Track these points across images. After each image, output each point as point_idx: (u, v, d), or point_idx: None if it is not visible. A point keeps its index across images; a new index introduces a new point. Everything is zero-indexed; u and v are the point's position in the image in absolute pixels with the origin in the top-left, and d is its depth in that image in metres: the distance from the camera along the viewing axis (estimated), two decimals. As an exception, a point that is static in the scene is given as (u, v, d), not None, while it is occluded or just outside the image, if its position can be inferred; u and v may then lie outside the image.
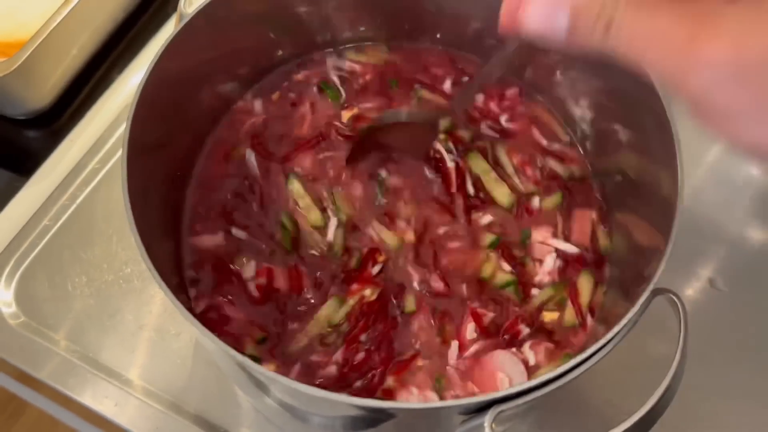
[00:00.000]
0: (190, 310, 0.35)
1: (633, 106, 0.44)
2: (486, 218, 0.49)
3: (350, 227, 0.50)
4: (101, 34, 0.67)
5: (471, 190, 0.50)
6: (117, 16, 0.69)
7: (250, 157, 0.51)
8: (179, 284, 0.46)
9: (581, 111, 0.50)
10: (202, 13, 0.44)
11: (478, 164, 0.50)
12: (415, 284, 0.47)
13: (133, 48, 0.69)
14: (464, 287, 0.47)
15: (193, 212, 0.49)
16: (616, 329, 0.34)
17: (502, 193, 0.50)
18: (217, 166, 0.51)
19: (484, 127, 0.53)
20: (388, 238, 0.49)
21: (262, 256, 0.48)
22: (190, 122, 0.50)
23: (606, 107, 0.48)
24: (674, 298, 0.36)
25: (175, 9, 0.71)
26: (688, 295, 0.57)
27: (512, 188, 0.50)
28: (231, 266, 0.47)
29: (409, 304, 0.46)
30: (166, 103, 0.45)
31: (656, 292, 0.36)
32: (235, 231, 0.49)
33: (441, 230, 0.49)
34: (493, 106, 0.54)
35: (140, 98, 0.41)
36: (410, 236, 0.49)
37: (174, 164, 0.48)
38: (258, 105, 0.54)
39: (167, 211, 0.47)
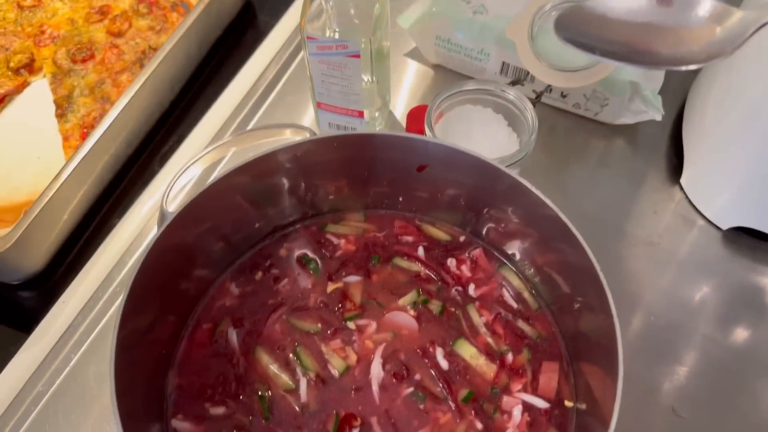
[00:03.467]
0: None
1: (576, 271, 0.49)
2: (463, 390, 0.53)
3: (320, 383, 0.53)
4: (90, 196, 0.72)
5: (444, 364, 0.53)
6: (104, 178, 0.74)
7: (232, 335, 0.55)
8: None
9: (539, 276, 0.55)
10: (183, 212, 0.49)
11: (467, 350, 0.54)
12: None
13: (120, 206, 0.73)
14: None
15: (175, 395, 0.52)
16: None
17: (487, 371, 0.53)
18: (198, 347, 0.55)
19: (454, 293, 0.57)
20: (336, 361, 0.53)
21: (242, 429, 0.51)
22: (173, 303, 0.54)
23: (557, 272, 0.53)
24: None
25: (157, 165, 0.76)
26: (653, 424, 0.60)
27: (486, 348, 0.54)
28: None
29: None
30: (151, 290, 0.49)
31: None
32: (213, 410, 0.52)
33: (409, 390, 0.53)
34: (464, 269, 0.58)
35: (128, 299, 0.45)
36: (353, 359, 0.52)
37: (158, 347, 0.52)
38: (238, 283, 0.58)
39: (154, 394, 0.50)
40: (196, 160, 0.53)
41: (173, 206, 0.50)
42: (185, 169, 0.53)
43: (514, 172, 0.51)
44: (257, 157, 0.50)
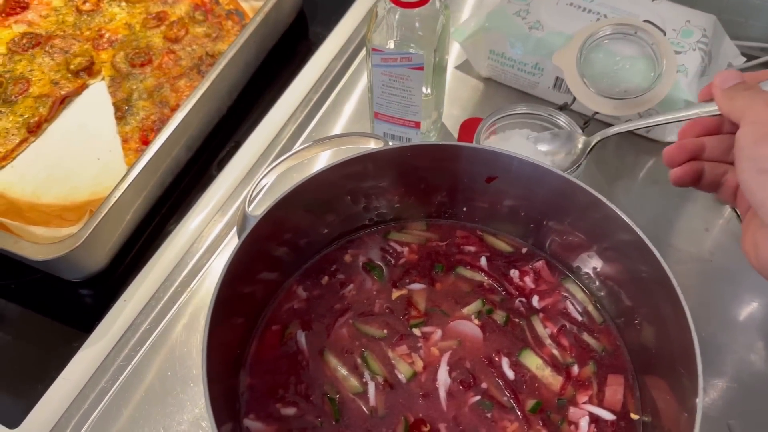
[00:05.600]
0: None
1: (645, 284, 0.50)
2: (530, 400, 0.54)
3: (388, 387, 0.54)
4: (151, 198, 0.73)
5: (510, 374, 0.54)
6: (165, 181, 0.75)
7: (301, 337, 0.56)
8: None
9: (605, 290, 0.56)
10: (267, 215, 0.50)
11: (533, 361, 0.55)
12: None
13: (179, 208, 0.75)
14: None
15: (248, 395, 0.53)
16: None
17: (553, 382, 0.54)
18: (268, 348, 0.56)
19: (518, 304, 0.58)
20: (402, 367, 0.54)
21: (313, 429, 0.52)
22: (242, 306, 0.55)
23: (623, 285, 0.54)
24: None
25: (215, 170, 0.78)
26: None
27: (552, 359, 0.55)
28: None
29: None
30: (225, 293, 0.50)
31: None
32: (284, 410, 0.53)
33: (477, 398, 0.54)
34: (527, 280, 0.59)
35: (215, 302, 0.46)
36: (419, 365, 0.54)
37: (230, 348, 0.53)
38: (305, 287, 0.59)
39: (227, 393, 0.52)
40: (279, 163, 0.55)
41: (253, 209, 0.51)
42: (268, 172, 0.54)
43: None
44: (345, 159, 0.52)
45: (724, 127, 0.50)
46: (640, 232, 0.49)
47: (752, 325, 0.67)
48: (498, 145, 0.68)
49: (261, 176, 0.54)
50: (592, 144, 0.65)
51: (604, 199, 0.50)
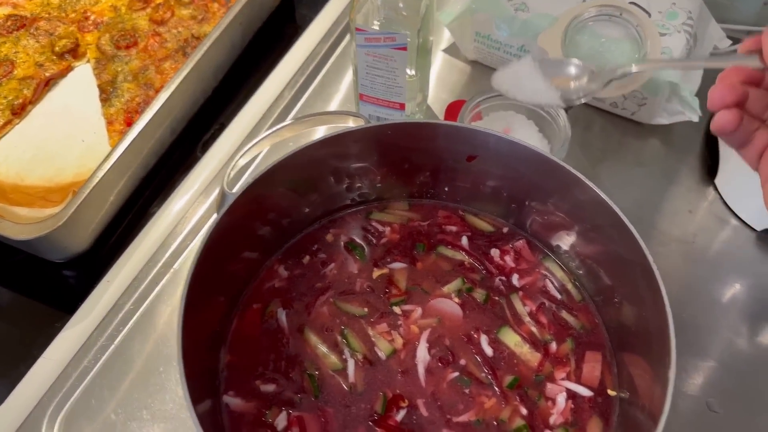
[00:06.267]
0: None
1: (624, 264, 0.50)
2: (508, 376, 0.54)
3: (368, 364, 0.54)
4: (134, 179, 0.73)
5: (489, 351, 0.54)
6: (149, 162, 0.75)
7: (281, 315, 0.56)
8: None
9: (585, 269, 0.56)
10: (246, 192, 0.50)
11: (511, 338, 0.55)
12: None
13: (163, 190, 0.75)
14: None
15: (227, 372, 0.54)
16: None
17: (531, 359, 0.54)
18: (248, 326, 0.56)
19: (498, 282, 0.58)
20: (382, 344, 0.54)
21: (292, 406, 0.52)
22: (223, 284, 0.55)
23: (602, 264, 0.54)
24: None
25: (199, 152, 0.77)
26: (689, 420, 0.61)
27: (530, 337, 0.55)
28: (265, 420, 0.51)
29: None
30: (205, 270, 0.51)
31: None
32: (263, 387, 0.53)
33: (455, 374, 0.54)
34: (508, 259, 0.59)
35: (191, 279, 0.46)
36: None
37: (209, 326, 0.53)
38: (287, 266, 0.59)
39: (206, 370, 0.52)
40: (258, 142, 0.55)
41: (235, 188, 0.51)
42: (246, 151, 0.54)
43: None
44: (324, 138, 0.52)
45: (765, 82, 0.45)
46: (618, 211, 0.49)
47: (734, 306, 0.67)
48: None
49: (240, 155, 0.54)
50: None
51: (584, 179, 0.50)
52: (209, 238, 0.48)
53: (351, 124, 0.57)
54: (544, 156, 0.52)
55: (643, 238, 0.70)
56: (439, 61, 0.85)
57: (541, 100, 0.57)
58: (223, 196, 0.51)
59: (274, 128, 0.55)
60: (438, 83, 0.82)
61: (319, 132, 0.70)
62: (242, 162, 0.55)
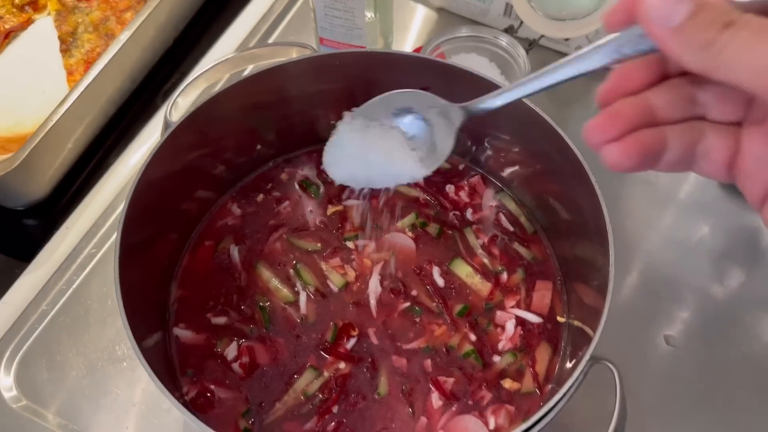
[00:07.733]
0: (181, 396, 0.39)
1: (571, 191, 0.50)
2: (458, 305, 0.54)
3: (320, 297, 0.54)
4: (94, 127, 0.73)
5: (440, 282, 0.54)
6: (108, 111, 0.74)
7: (234, 251, 0.56)
8: (169, 372, 0.50)
9: (536, 202, 0.56)
10: (186, 121, 0.50)
11: (463, 269, 0.55)
12: (385, 360, 0.51)
13: (123, 139, 0.74)
14: (429, 362, 0.51)
15: (177, 306, 0.53)
16: (556, 397, 0.38)
17: (482, 288, 0.54)
18: (200, 262, 0.56)
19: (452, 217, 0.58)
20: (335, 277, 0.54)
21: (243, 337, 0.52)
22: (176, 221, 0.54)
23: (557, 199, 0.54)
24: (610, 366, 0.40)
25: (161, 101, 0.77)
26: (645, 353, 0.61)
27: (482, 268, 0.55)
28: (215, 350, 0.51)
29: (382, 386, 0.50)
30: (154, 204, 0.50)
31: (594, 360, 0.40)
32: (214, 319, 0.53)
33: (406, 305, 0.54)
34: (462, 195, 0.59)
35: (130, 204, 0.46)
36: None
37: (160, 260, 0.53)
38: (240, 205, 0.59)
39: (155, 304, 0.52)
40: (202, 74, 0.54)
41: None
42: (190, 82, 0.54)
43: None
44: (261, 70, 0.51)
45: (668, 68, 0.32)
46: (574, 147, 0.48)
47: (697, 246, 0.67)
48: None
49: (180, 90, 0.53)
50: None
51: (544, 115, 0.49)
52: (149, 165, 0.47)
53: (294, 54, 0.57)
54: (494, 83, 0.52)
55: (607, 178, 0.71)
56: (404, 8, 0.84)
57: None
58: (165, 124, 0.51)
59: (220, 60, 0.55)
60: (403, 31, 0.81)
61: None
62: (189, 99, 0.54)
